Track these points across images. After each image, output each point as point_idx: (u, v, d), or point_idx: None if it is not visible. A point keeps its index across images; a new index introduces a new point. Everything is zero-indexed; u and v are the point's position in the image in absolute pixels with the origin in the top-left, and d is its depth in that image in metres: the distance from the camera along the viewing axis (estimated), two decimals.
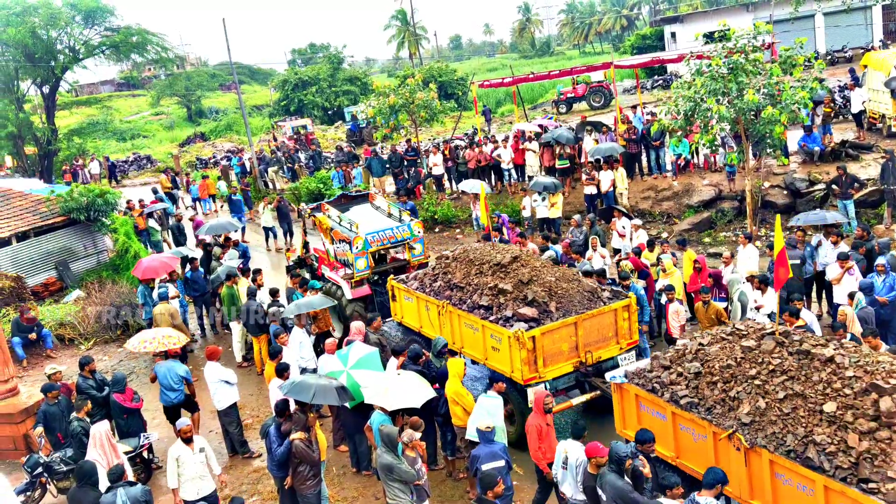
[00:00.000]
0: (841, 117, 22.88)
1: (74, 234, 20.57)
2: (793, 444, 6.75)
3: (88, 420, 10.26)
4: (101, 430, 9.47)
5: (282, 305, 13.56)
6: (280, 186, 30.31)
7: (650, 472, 7.29)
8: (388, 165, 26.30)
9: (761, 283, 11.36)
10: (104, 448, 9.33)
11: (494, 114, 45.95)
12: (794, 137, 19.82)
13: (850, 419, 6.60)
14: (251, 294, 14.02)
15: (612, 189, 19.29)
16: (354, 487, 10.34)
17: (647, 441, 7.53)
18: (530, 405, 9.96)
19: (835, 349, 7.36)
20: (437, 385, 9.80)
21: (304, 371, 11.44)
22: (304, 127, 43.53)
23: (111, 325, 16.97)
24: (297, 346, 11.92)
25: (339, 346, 11.21)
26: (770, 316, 10.41)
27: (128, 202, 23.80)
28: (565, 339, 10.11)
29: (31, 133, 33.10)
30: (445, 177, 25.19)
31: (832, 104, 21.11)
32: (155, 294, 15.20)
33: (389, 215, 15.17)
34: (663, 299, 12.16)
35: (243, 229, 23.15)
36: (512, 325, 9.98)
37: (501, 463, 8.14)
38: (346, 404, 9.68)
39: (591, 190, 19.63)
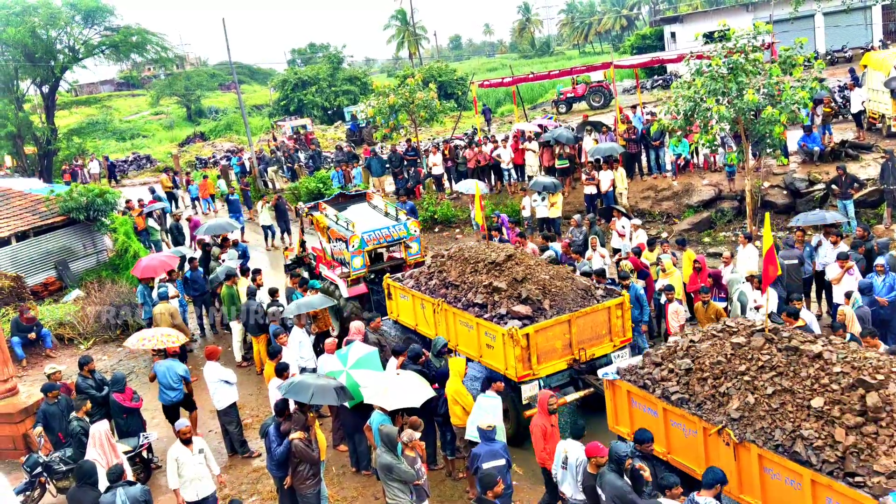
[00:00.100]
0: (841, 117, 22.87)
1: (74, 233, 20.57)
2: (781, 438, 6.87)
3: (88, 420, 10.27)
4: (100, 429, 9.46)
5: (281, 305, 13.56)
6: (280, 186, 30.31)
7: (650, 475, 7.29)
8: (387, 165, 26.30)
9: (761, 283, 11.35)
10: (103, 448, 9.33)
11: (494, 114, 45.95)
12: (793, 137, 19.82)
13: (837, 414, 6.72)
14: (251, 294, 14.02)
15: (611, 189, 19.29)
16: (354, 487, 10.33)
17: (646, 441, 7.55)
18: (524, 402, 10.04)
19: (823, 346, 7.49)
20: (436, 385, 9.81)
21: (303, 371, 11.44)
22: (304, 127, 43.54)
23: (111, 325, 16.97)
24: (297, 346, 11.92)
25: (339, 345, 11.21)
26: (770, 316, 10.40)
27: (127, 202, 23.80)
28: (559, 337, 10.23)
29: (31, 133, 33.11)
30: (445, 177, 25.18)
31: (832, 104, 21.12)
32: (154, 294, 15.20)
33: (386, 214, 15.26)
34: (663, 299, 12.17)
35: (242, 229, 23.16)
36: (506, 323, 10.07)
37: (502, 461, 8.16)
38: (346, 404, 9.68)
39: (590, 190, 19.64)
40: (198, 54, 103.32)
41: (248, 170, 31.41)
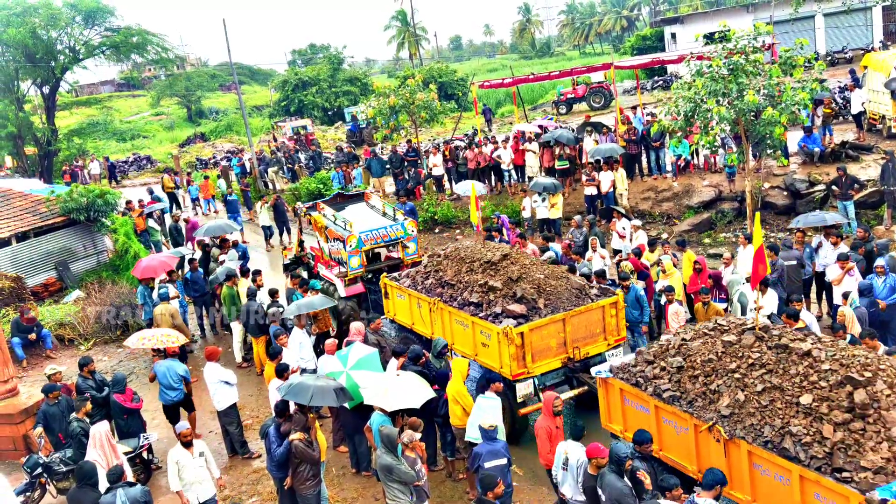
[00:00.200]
0: (841, 118, 22.87)
1: (74, 234, 20.58)
2: (770, 435, 6.95)
3: (88, 420, 10.26)
4: (100, 430, 9.47)
5: (281, 306, 13.57)
6: (280, 187, 30.31)
7: (650, 483, 7.29)
8: (388, 166, 26.31)
9: (761, 284, 11.35)
10: (104, 448, 9.33)
11: (494, 114, 45.93)
12: (794, 138, 19.83)
13: (825, 411, 6.80)
14: (251, 295, 14.03)
15: (612, 190, 19.29)
16: (354, 488, 10.34)
17: (645, 441, 7.56)
18: (519, 400, 10.07)
19: (812, 343, 7.57)
20: (436, 386, 9.82)
21: (303, 372, 11.44)
22: (304, 127, 43.50)
23: (111, 326, 16.98)
24: (297, 347, 11.93)
25: (339, 346, 11.21)
26: (770, 317, 10.41)
27: (127, 202, 23.79)
28: (553, 336, 10.29)
29: (31, 133, 33.11)
30: (445, 177, 25.19)
31: (832, 105, 21.12)
32: (155, 294, 15.21)
33: (384, 214, 15.36)
34: (663, 300, 12.17)
35: (241, 230, 23.16)
36: (501, 322, 10.13)
37: (503, 461, 8.19)
38: (346, 405, 9.68)
39: (591, 191, 19.64)
40: (198, 55, 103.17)
41: (248, 170, 31.41)
